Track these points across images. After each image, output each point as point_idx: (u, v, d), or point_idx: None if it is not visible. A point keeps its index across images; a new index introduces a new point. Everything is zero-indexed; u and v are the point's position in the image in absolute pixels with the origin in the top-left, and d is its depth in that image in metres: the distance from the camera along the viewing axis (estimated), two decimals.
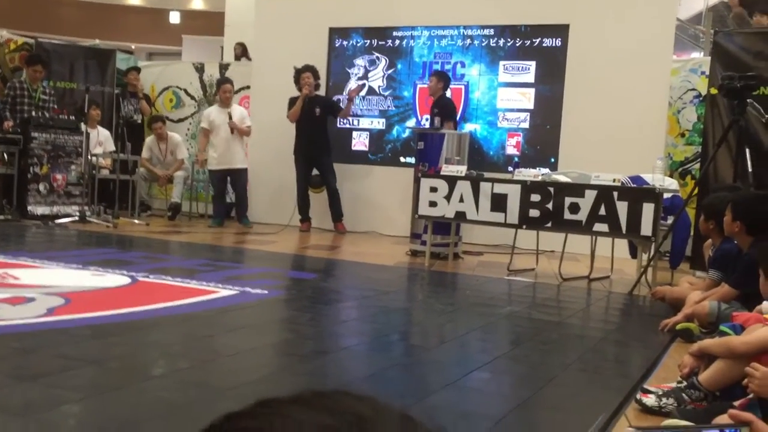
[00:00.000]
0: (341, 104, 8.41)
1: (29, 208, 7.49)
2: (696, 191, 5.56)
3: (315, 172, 8.29)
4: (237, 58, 10.97)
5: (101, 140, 8.88)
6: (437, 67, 8.22)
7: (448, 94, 7.66)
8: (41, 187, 7.61)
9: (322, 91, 8.49)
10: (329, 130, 8.35)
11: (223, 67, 9.93)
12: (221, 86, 8.42)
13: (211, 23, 19.09)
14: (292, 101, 8.16)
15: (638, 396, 2.50)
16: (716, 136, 5.91)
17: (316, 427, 0.41)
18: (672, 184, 5.94)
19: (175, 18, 21.65)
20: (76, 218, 7.50)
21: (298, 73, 8.09)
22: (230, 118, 8.17)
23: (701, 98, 7.51)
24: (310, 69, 8.11)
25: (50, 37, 13.06)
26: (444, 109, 7.28)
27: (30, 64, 8.22)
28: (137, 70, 9.85)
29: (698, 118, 7.59)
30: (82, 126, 7.91)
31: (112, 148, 8.85)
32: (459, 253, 6.53)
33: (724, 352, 2.41)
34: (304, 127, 8.13)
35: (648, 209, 5.01)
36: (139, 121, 9.56)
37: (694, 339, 3.31)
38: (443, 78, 7.54)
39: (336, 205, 8.22)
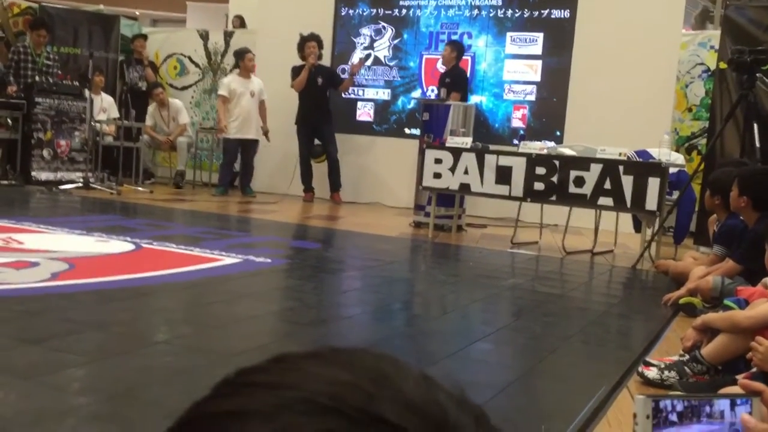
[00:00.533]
0: (345, 75, 8.36)
1: (33, 173, 7.48)
2: (702, 167, 5.53)
3: (317, 142, 8.27)
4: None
5: (105, 107, 8.84)
6: (444, 37, 8.14)
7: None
8: (45, 152, 7.59)
9: (327, 61, 8.43)
10: (334, 100, 8.31)
11: (228, 35, 9.84)
12: (245, 55, 8.32)
13: None
14: (295, 70, 8.10)
15: (640, 369, 2.51)
16: (724, 111, 5.86)
17: (333, 383, 0.40)
18: (678, 159, 5.91)
19: None
20: (80, 184, 7.49)
21: (303, 42, 8.03)
22: (252, 95, 8.18)
23: (710, 73, 7.43)
24: (315, 38, 8.05)
25: (54, 2, 12.94)
26: (456, 79, 7.22)
27: (34, 28, 8.16)
28: (144, 37, 9.77)
29: (706, 92, 7.52)
30: (86, 92, 7.86)
31: (116, 114, 8.81)
32: (462, 226, 6.52)
33: (728, 326, 2.41)
34: (306, 96, 8.09)
35: (653, 184, 4.99)
36: (144, 89, 9.50)
37: (697, 313, 3.31)
38: (457, 47, 7.45)
39: (335, 175, 8.20)
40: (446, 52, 7.40)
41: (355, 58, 8.57)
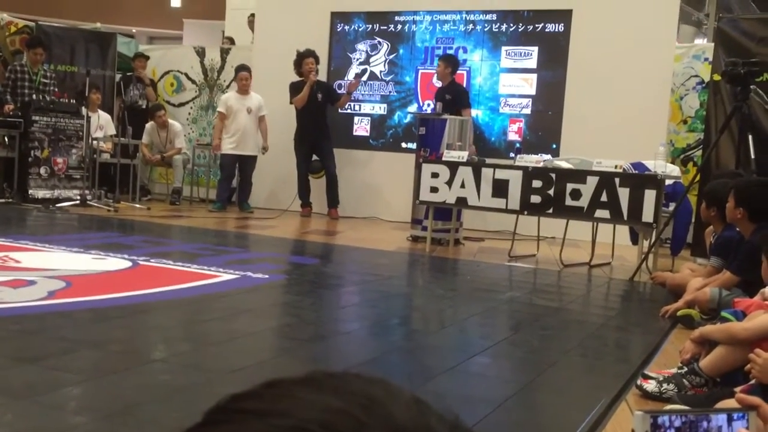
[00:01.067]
0: (342, 90, 8.39)
1: (30, 191, 7.48)
2: (698, 178, 5.55)
3: (315, 157, 8.27)
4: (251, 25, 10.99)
5: (102, 124, 8.86)
6: (439, 52, 8.18)
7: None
8: (42, 170, 7.59)
9: (323, 76, 8.46)
10: (331, 115, 8.33)
11: (224, 52, 9.88)
12: (238, 74, 8.41)
13: (212, 7, 18.98)
14: (294, 86, 8.12)
15: (639, 381, 2.51)
16: (719, 123, 5.89)
17: (324, 410, 0.40)
18: (674, 170, 5.92)
19: (176, 2, 21.54)
20: (77, 202, 7.49)
21: (300, 58, 8.04)
22: (249, 111, 8.21)
23: (704, 85, 7.47)
24: (313, 54, 8.07)
25: (51, 21, 13.00)
26: (459, 96, 7.18)
27: (31, 46, 8.19)
28: (145, 57, 9.81)
29: (701, 104, 7.56)
30: (83, 110, 7.88)
31: (113, 132, 8.83)
32: (460, 239, 6.53)
33: (726, 338, 2.41)
34: (305, 112, 8.11)
35: (650, 196, 5.00)
36: (144, 107, 9.53)
37: (695, 325, 3.31)
38: (451, 62, 7.38)
39: (333, 191, 8.20)
40: (440, 68, 7.36)
41: (352, 73, 8.61)
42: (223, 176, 8.48)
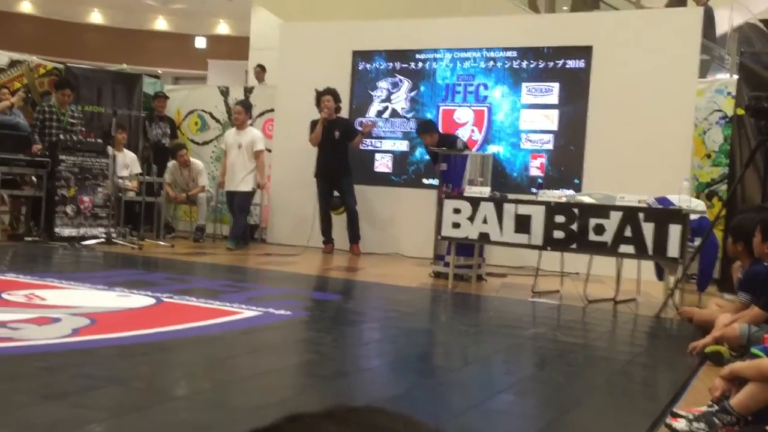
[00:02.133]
0: (361, 127, 8.45)
1: (56, 229, 7.57)
2: (723, 212, 5.49)
3: (336, 193, 8.30)
4: (259, 78, 11.19)
5: (127, 163, 8.99)
6: (460, 89, 8.24)
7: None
8: (68, 209, 7.70)
9: (345, 114, 8.53)
10: (352, 151, 8.37)
11: (248, 91, 10.03)
12: (233, 109, 8.49)
13: (236, 47, 19.35)
14: (314, 124, 8.20)
15: (668, 420, 2.46)
16: (743, 157, 5.84)
17: None
18: (699, 205, 5.87)
19: (201, 43, 21.97)
20: (103, 240, 7.57)
21: (319, 96, 8.14)
22: (239, 147, 8.19)
23: (727, 119, 7.44)
24: (331, 92, 8.14)
25: (79, 62, 13.30)
26: (448, 141, 7.16)
27: (59, 88, 8.36)
28: (165, 97, 10.00)
29: (724, 139, 7.51)
30: (109, 149, 8.01)
31: (138, 170, 8.95)
32: (483, 275, 6.49)
33: (756, 375, 2.36)
34: (324, 149, 8.17)
35: (674, 230, 4.95)
36: (167, 145, 9.68)
37: (724, 362, 3.25)
38: (431, 129, 7.49)
39: (354, 227, 8.21)
40: (428, 140, 7.41)
41: (373, 111, 8.68)
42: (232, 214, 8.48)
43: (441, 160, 6.71)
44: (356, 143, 8.32)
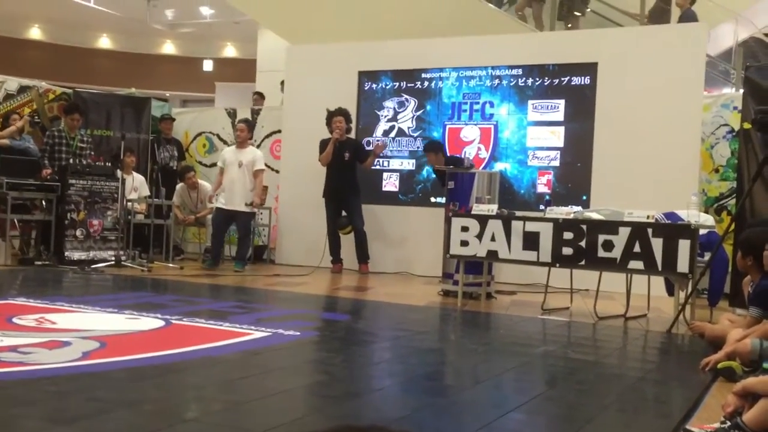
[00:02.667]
0: (370, 147, 8.48)
1: (66, 253, 7.61)
2: (733, 227, 5.47)
3: (344, 213, 8.30)
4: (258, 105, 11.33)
5: (136, 186, 9.05)
6: (466, 107, 8.27)
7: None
8: (78, 232, 7.74)
9: (352, 134, 8.57)
10: (360, 171, 8.40)
11: (255, 112, 10.10)
12: (237, 125, 8.42)
13: (243, 70, 19.50)
14: (323, 144, 8.24)
15: None
16: (751, 171, 5.83)
17: None
18: (708, 220, 5.85)
19: (208, 66, 22.15)
20: (112, 263, 7.60)
21: (331, 116, 8.18)
22: (240, 165, 8.09)
23: (734, 133, 7.43)
24: (343, 113, 8.19)
25: (88, 87, 13.42)
26: (454, 161, 7.19)
27: (68, 113, 8.44)
28: (172, 119, 10.08)
29: (732, 153, 7.50)
30: (118, 172, 8.06)
31: (147, 193, 9.00)
32: (492, 293, 6.47)
33: None
34: (333, 169, 8.20)
35: (684, 246, 4.93)
36: (175, 168, 9.74)
37: (736, 378, 3.22)
38: (435, 148, 7.56)
39: (362, 247, 8.21)
40: (431, 158, 7.51)
41: (380, 130, 8.72)
42: (213, 231, 8.29)
43: (448, 178, 6.72)
44: (368, 165, 8.32)
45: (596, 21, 10.49)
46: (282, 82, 10.50)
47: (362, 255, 8.24)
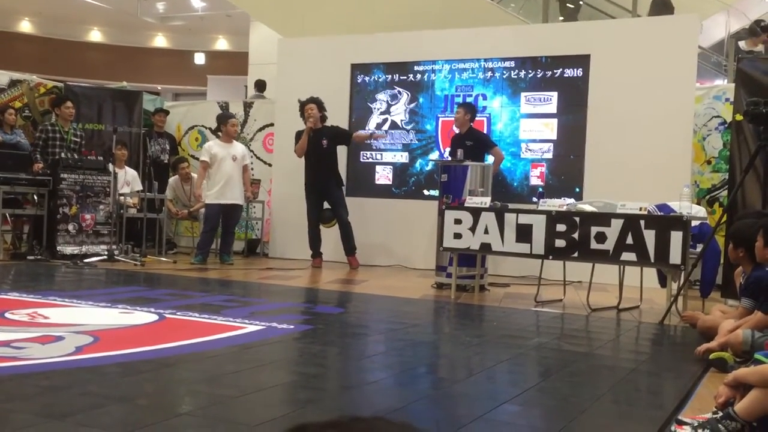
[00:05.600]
0: (367, 130, 8.45)
1: (59, 248, 7.59)
2: (724, 218, 5.49)
3: (327, 206, 8.11)
4: (261, 89, 11.32)
5: (128, 180, 9.02)
6: (459, 99, 8.26)
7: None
8: (70, 227, 7.72)
9: (344, 127, 8.53)
10: (352, 164, 8.37)
11: (248, 105, 10.06)
12: (228, 120, 8.26)
13: (235, 63, 19.45)
14: (298, 135, 8.11)
15: (673, 427, 2.45)
16: (743, 163, 5.85)
17: None
18: (700, 211, 5.87)
19: (200, 59, 22.07)
20: (105, 257, 7.58)
21: (302, 106, 8.06)
22: (234, 159, 8.09)
23: (726, 125, 7.45)
24: (314, 101, 8.03)
25: (79, 81, 13.35)
26: (482, 141, 7.30)
27: (59, 103, 8.38)
28: (165, 112, 10.03)
29: (724, 144, 7.53)
30: (110, 166, 8.03)
31: (139, 187, 8.98)
32: (485, 285, 6.49)
33: (760, 381, 2.36)
34: (311, 160, 8.02)
35: (676, 237, 4.95)
36: (166, 161, 9.71)
37: (728, 369, 3.24)
38: (470, 109, 7.49)
39: (348, 239, 7.99)
40: (459, 114, 7.42)
41: (373, 123, 8.71)
42: (207, 227, 8.15)
43: (441, 171, 6.73)
44: (361, 137, 8.24)
45: (588, 13, 10.50)
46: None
47: (349, 247, 8.02)
